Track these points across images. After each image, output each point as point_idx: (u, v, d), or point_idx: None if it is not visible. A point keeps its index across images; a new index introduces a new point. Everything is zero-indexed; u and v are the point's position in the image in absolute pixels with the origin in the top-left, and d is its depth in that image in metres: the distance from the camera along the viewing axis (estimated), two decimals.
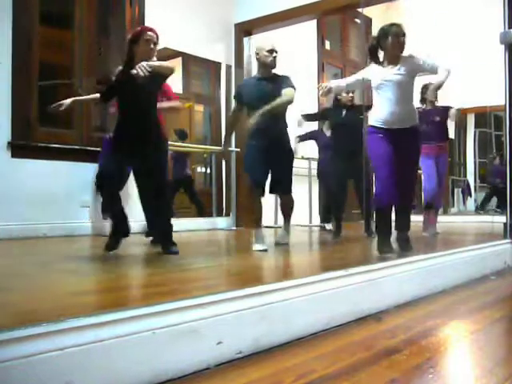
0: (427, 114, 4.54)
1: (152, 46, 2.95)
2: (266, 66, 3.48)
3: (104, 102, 3.20)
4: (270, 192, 3.64)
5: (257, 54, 3.52)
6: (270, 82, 3.48)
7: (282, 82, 3.47)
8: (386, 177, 2.89)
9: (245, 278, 2.51)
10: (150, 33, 2.96)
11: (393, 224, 3.01)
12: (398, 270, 2.27)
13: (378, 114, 2.97)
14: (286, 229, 3.72)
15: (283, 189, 3.61)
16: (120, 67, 3.06)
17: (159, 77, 2.93)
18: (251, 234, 3.47)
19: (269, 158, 3.44)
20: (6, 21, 4.23)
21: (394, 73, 2.91)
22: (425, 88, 4.48)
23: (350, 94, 4.47)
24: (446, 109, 4.69)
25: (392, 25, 2.94)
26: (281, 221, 3.81)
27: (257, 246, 3.31)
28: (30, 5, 4.44)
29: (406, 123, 2.95)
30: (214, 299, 1.44)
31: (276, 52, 3.48)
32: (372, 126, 2.99)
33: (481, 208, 8.67)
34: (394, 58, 2.93)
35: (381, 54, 3.01)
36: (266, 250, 3.28)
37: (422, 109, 4.51)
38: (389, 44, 2.91)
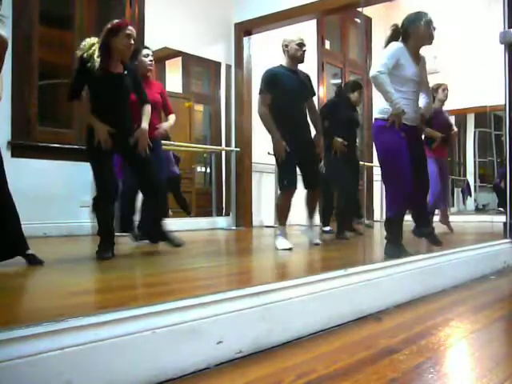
0: (439, 115, 4.53)
1: (132, 41, 2.84)
2: (295, 59, 3.46)
3: (75, 99, 2.85)
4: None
5: (285, 45, 3.47)
6: (298, 76, 3.50)
7: (306, 81, 3.56)
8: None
9: (245, 277, 2.51)
10: (130, 27, 2.85)
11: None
12: (397, 269, 2.27)
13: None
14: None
15: None
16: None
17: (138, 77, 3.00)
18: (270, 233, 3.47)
19: None
20: (6, 21, 4.22)
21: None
22: (437, 87, 4.49)
23: (361, 96, 4.44)
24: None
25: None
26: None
27: (285, 244, 3.35)
28: (30, 5, 4.44)
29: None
30: (214, 299, 1.44)
31: (305, 46, 3.47)
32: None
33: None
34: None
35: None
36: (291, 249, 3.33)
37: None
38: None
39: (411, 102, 2.85)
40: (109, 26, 2.85)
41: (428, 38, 2.89)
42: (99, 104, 2.85)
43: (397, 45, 2.82)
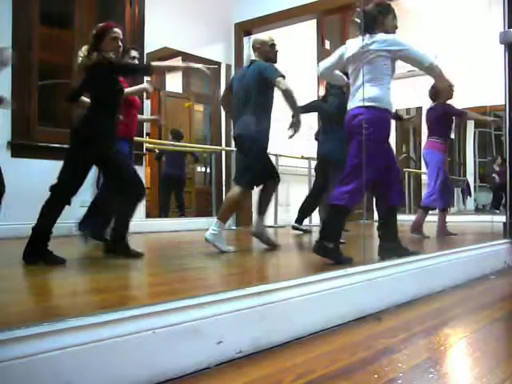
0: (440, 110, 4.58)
1: (119, 43, 2.87)
2: (269, 60, 3.43)
3: (72, 101, 3.02)
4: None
5: (258, 48, 3.45)
6: (251, 70, 3.48)
7: (256, 74, 3.42)
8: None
9: (245, 277, 2.51)
10: (115, 29, 2.87)
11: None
12: (397, 269, 2.27)
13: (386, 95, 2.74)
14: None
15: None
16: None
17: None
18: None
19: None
20: (6, 21, 4.23)
21: None
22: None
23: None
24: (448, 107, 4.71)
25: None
26: (282, 221, 3.78)
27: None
28: (30, 5, 4.44)
29: None
30: (214, 299, 1.44)
31: (276, 46, 3.47)
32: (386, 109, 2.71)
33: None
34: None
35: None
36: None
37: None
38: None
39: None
40: (93, 31, 2.87)
41: (394, 30, 2.86)
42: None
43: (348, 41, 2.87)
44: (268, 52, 3.43)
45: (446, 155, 4.68)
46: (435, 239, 4.45)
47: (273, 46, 3.44)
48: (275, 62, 3.47)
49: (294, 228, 4.85)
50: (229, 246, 3.26)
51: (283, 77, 3.25)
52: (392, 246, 2.74)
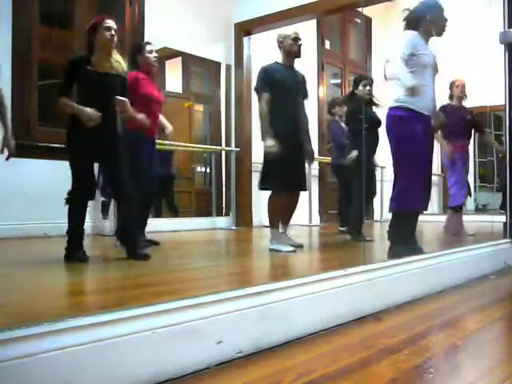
0: (457, 111, 4.65)
1: (113, 32, 2.84)
2: (291, 54, 3.42)
3: (65, 96, 2.83)
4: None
5: (281, 41, 3.44)
6: (294, 73, 3.48)
7: (302, 81, 3.53)
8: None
9: (245, 277, 2.51)
10: (108, 20, 2.88)
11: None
12: (397, 269, 2.26)
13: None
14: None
15: None
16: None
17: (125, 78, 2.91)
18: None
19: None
20: (6, 21, 4.23)
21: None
22: (451, 84, 4.60)
23: (368, 88, 4.21)
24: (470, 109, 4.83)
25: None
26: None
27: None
28: (30, 5, 4.44)
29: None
30: (215, 299, 1.44)
31: (300, 40, 3.44)
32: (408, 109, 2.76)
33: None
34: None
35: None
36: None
37: (449, 105, 4.69)
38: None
39: (428, 90, 2.81)
40: (88, 26, 2.90)
41: (441, 30, 2.90)
42: (85, 103, 2.78)
43: (411, 33, 2.84)
44: (290, 46, 3.43)
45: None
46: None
47: (296, 39, 3.45)
48: (298, 56, 3.48)
49: (359, 240, 4.03)
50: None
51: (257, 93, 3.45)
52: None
